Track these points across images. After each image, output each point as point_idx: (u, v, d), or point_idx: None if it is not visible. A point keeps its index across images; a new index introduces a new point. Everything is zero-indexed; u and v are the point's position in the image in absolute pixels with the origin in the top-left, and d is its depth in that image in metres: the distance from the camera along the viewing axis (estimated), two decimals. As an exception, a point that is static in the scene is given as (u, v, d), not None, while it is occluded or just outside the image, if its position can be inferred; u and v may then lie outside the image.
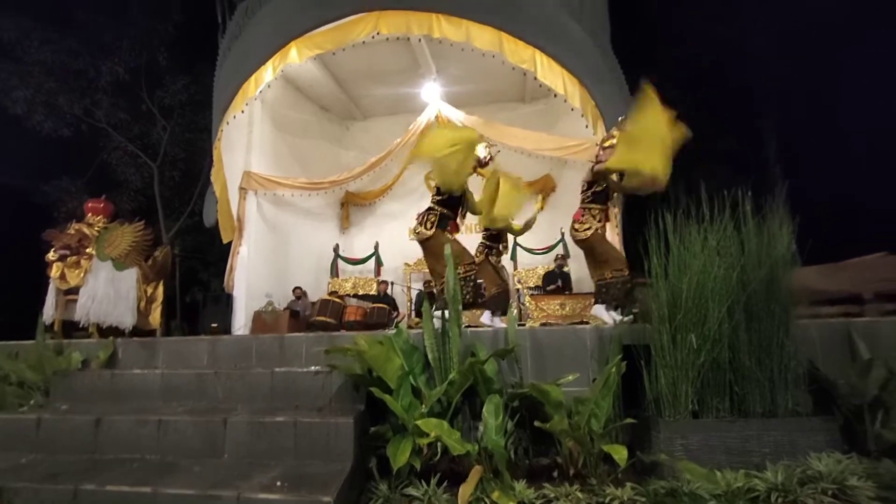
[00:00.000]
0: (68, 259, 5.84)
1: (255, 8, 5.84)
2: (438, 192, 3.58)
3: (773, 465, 1.70)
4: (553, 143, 6.96)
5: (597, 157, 3.56)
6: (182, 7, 9.38)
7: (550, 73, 5.37)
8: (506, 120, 8.61)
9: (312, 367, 2.11)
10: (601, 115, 5.53)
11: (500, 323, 3.92)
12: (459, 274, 3.13)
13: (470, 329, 2.34)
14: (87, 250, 5.96)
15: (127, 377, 2.29)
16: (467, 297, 3.24)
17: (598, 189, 3.42)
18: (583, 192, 3.52)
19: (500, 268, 4.73)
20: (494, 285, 4.06)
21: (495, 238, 4.43)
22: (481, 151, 3.50)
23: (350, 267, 8.83)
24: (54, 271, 5.87)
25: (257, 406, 2.03)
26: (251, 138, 7.57)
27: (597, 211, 3.40)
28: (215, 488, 1.46)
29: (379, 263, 8.66)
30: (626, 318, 3.23)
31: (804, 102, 10.32)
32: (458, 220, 3.72)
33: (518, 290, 7.49)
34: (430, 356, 2.17)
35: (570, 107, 5.61)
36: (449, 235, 3.51)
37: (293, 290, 7.79)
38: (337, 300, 7.25)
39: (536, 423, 1.83)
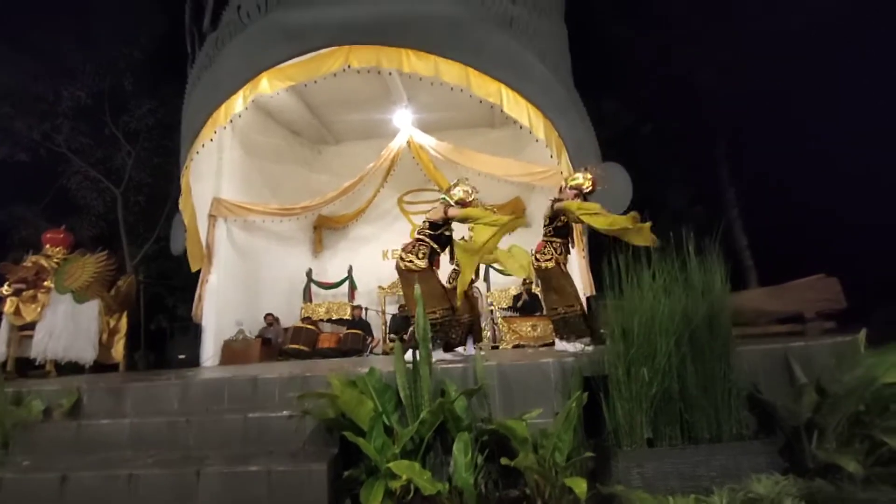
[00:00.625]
0: (24, 293, 5.62)
1: (226, 39, 5.89)
2: (432, 226, 3.55)
3: (720, 489, 1.85)
4: (521, 169, 7.24)
5: (560, 190, 3.77)
6: (148, 31, 9.29)
7: (516, 106, 5.64)
8: (476, 145, 8.89)
9: (285, 412, 2.15)
10: (564, 145, 5.83)
11: (471, 349, 4.02)
12: (438, 318, 3.22)
13: (440, 366, 2.43)
14: (45, 283, 5.76)
15: (94, 427, 2.25)
16: (453, 337, 3.39)
17: (559, 224, 3.61)
18: (545, 226, 3.70)
19: (471, 296, 4.85)
20: (466, 313, 4.17)
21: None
22: (459, 193, 3.61)
23: (323, 291, 8.78)
24: (8, 306, 5.63)
25: (231, 452, 2.04)
26: (221, 164, 7.53)
27: (557, 244, 3.59)
28: (189, 545, 1.49)
29: (353, 287, 8.65)
30: (588, 347, 3.42)
31: (762, 127, 11.08)
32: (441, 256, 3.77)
33: (491, 311, 7.64)
34: (402, 394, 2.24)
35: (535, 142, 5.90)
36: (435, 270, 3.57)
37: (265, 317, 7.68)
38: (310, 327, 7.20)
39: (503, 461, 1.94)
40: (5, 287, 5.60)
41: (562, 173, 6.04)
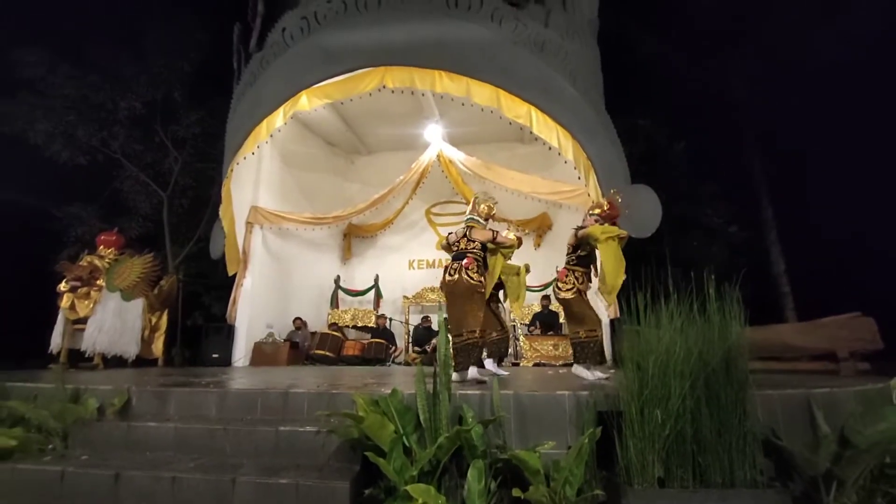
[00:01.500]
0: (79, 290, 6.09)
1: (270, 59, 6.25)
2: (483, 247, 3.61)
3: (729, 536, 1.88)
4: (548, 187, 7.28)
5: (583, 220, 3.82)
6: (198, 45, 9.91)
7: (545, 128, 5.71)
8: (504, 159, 8.99)
9: (313, 428, 2.31)
10: (593, 167, 5.85)
11: (501, 371, 4.10)
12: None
13: (459, 392, 2.54)
14: (98, 282, 6.22)
15: (142, 429, 2.48)
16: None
17: (583, 253, 3.65)
18: (567, 254, 3.75)
19: (500, 313, 4.93)
20: (495, 331, 4.25)
21: (497, 285, 4.62)
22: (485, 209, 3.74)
23: (350, 298, 9.04)
24: (64, 301, 6.11)
25: (263, 463, 2.22)
26: (259, 174, 7.92)
27: (580, 273, 3.63)
28: (225, 549, 1.66)
29: (378, 296, 8.87)
30: (604, 376, 3.44)
31: (806, 146, 10.70)
32: None
33: (514, 328, 7.68)
34: (421, 417, 2.36)
35: (563, 161, 5.94)
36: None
37: (293, 321, 7.98)
38: (336, 334, 7.43)
39: (515, 493, 2.02)
40: (63, 283, 6.08)
41: (589, 195, 6.06)
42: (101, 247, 6.56)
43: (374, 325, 8.05)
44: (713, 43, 10.30)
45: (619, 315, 6.25)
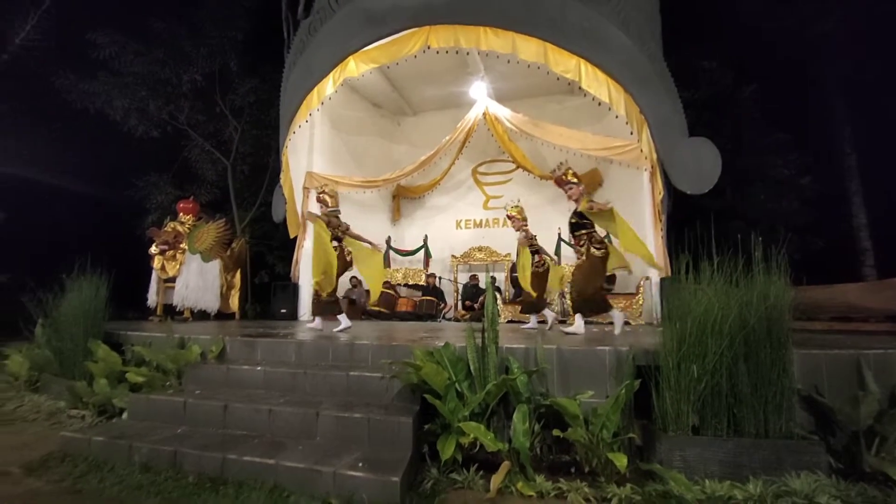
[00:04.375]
0: (167, 253, 6.90)
1: (317, 26, 6.36)
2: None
3: (756, 479, 2.03)
4: (598, 143, 7.05)
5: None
6: (247, 15, 10.16)
7: (595, 82, 5.50)
8: (553, 112, 8.72)
9: (378, 374, 2.67)
10: (646, 120, 5.60)
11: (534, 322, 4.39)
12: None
13: (505, 345, 2.78)
14: (181, 245, 7.00)
15: (237, 372, 2.97)
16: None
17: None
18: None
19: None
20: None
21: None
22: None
23: (400, 257, 9.47)
24: (156, 263, 6.96)
25: (339, 401, 2.62)
26: (313, 140, 8.27)
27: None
28: (317, 464, 2.05)
29: (428, 255, 9.22)
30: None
31: (873, 93, 9.43)
32: None
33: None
34: (471, 367, 2.65)
35: (615, 113, 5.72)
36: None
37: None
38: (389, 291, 7.92)
39: (555, 433, 2.27)
40: (153, 247, 6.92)
41: (641, 150, 5.85)
42: (181, 213, 7.31)
43: (425, 284, 8.46)
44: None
45: (669, 274, 6.20)
